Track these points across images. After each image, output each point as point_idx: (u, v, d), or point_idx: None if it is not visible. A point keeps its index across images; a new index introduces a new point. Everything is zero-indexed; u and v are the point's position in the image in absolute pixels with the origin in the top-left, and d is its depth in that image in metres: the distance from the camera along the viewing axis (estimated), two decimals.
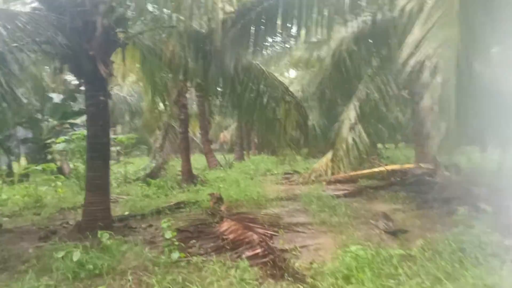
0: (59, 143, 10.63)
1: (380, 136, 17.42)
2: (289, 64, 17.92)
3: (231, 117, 29.00)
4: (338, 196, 8.94)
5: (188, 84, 11.52)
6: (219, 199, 7.59)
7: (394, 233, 5.15)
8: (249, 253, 4.50)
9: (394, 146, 26.82)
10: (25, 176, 11.66)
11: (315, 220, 6.42)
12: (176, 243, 4.07)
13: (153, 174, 12.52)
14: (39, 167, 9.80)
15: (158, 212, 7.40)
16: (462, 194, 7.71)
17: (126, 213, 7.31)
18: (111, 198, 9.19)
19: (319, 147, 24.05)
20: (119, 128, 23.74)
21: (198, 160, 20.63)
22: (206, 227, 6.02)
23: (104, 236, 4.29)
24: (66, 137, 10.71)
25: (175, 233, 4.11)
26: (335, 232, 5.58)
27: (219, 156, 19.10)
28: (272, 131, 9.61)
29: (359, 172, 11.89)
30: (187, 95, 19.25)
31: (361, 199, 8.71)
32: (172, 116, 12.52)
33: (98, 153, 5.92)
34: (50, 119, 14.31)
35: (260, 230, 5.36)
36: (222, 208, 6.93)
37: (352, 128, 8.61)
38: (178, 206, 7.84)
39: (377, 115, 9.18)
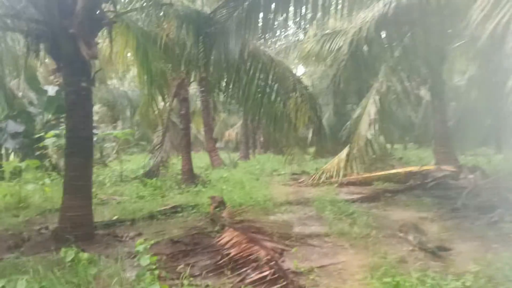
0: (49, 137, 9.77)
1: (391, 135, 16.39)
2: (299, 58, 16.94)
3: (236, 112, 28.19)
4: (353, 201, 8.03)
5: (190, 76, 10.59)
6: (221, 203, 6.69)
7: (433, 252, 4.20)
8: (254, 275, 3.58)
9: (403, 147, 25.82)
10: (17, 174, 10.87)
11: (331, 230, 5.49)
12: (157, 271, 3.04)
13: (151, 173, 11.65)
14: (23, 164, 8.95)
15: (152, 217, 6.52)
16: (497, 201, 6.75)
17: (115, 217, 6.42)
18: (103, 199, 8.42)
19: (327, 146, 23.18)
20: (119, 124, 22.93)
21: (201, 158, 19.75)
22: (204, 237, 5.12)
23: (68, 255, 3.37)
24: (57, 131, 9.86)
25: (154, 258, 3.11)
26: (358, 247, 4.64)
27: (223, 155, 18.21)
28: (280, 127, 8.76)
29: (373, 174, 10.96)
30: (190, 90, 18.43)
31: (379, 205, 7.76)
32: (172, 111, 11.63)
33: (78, 149, 5.03)
34: (45, 113, 13.49)
35: (268, 244, 4.44)
36: (224, 214, 6.02)
37: (371, 124, 7.68)
38: (175, 210, 6.94)
39: (395, 112, 8.22)
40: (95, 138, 14.02)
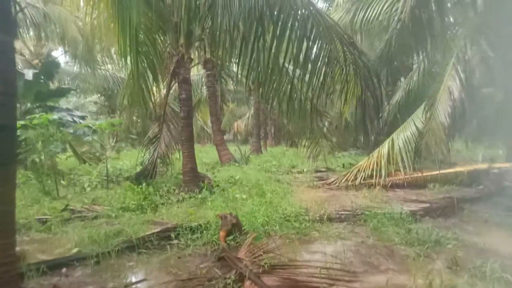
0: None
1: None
2: None
3: (246, 101, 25.86)
4: (416, 213, 5.72)
5: (189, 45, 8.31)
6: (235, 227, 4.43)
7: None
8: None
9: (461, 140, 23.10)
10: None
11: (424, 281, 3.23)
12: None
13: (147, 173, 9.39)
14: None
15: (131, 248, 4.30)
16: None
17: (75, 250, 4.20)
18: (73, 211, 6.22)
19: (347, 138, 20.84)
20: (117, 115, 20.72)
21: (208, 153, 17.52)
22: None
23: None
24: (23, 122, 7.66)
25: None
26: None
27: (232, 148, 15.94)
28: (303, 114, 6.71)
29: (427, 174, 8.62)
30: (193, 75, 16.13)
31: (460, 223, 5.45)
32: (170, 95, 9.34)
33: None
34: (23, 101, 11.30)
35: None
36: (242, 252, 3.73)
37: (453, 104, 5.34)
38: (167, 235, 4.71)
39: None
40: (82, 131, 11.89)
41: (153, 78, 7.75)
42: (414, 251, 4.09)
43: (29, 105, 11.39)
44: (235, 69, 19.09)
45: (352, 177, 8.83)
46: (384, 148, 8.79)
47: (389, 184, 8.43)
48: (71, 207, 6.35)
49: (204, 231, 4.74)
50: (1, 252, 2.78)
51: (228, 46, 4.78)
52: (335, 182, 9.07)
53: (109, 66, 17.45)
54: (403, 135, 8.56)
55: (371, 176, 8.56)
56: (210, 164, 13.44)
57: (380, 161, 8.59)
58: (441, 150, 6.01)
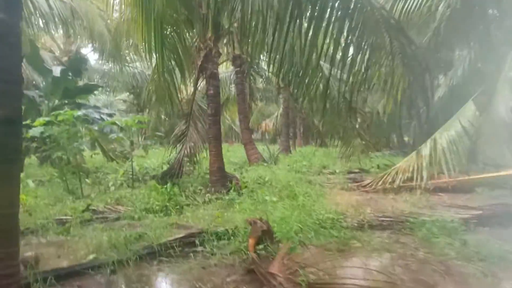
0: (36, 126, 7.42)
1: None
2: None
3: (275, 100, 25.32)
4: (465, 221, 5.04)
5: (218, 38, 7.92)
6: (266, 235, 3.96)
7: None
8: None
9: None
10: None
11: None
12: None
13: (173, 172, 9.07)
14: None
15: (152, 255, 3.93)
16: None
17: (91, 256, 3.85)
18: (96, 211, 5.95)
19: (380, 138, 19.93)
20: (146, 113, 20.69)
21: (236, 152, 17.15)
22: None
23: None
24: (48, 118, 7.48)
25: None
26: None
27: (260, 147, 15.48)
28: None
29: (475, 177, 7.88)
30: (222, 73, 15.78)
31: None
32: (197, 92, 8.98)
33: None
34: (51, 98, 11.29)
35: None
36: (275, 265, 3.24)
37: None
38: (192, 240, 4.31)
39: None
40: (110, 128, 11.77)
41: (180, 73, 7.40)
42: (475, 267, 3.49)
43: (57, 101, 11.37)
44: (264, 66, 18.67)
45: (390, 179, 8.20)
46: (426, 148, 8.12)
47: (432, 187, 7.75)
48: (93, 207, 6.08)
49: (232, 238, 4.31)
50: (2, 262, 2.43)
51: (260, 31, 4.32)
52: (371, 184, 8.44)
53: (138, 63, 17.41)
54: (447, 135, 7.89)
55: (410, 179, 7.91)
56: (238, 163, 13.05)
57: (421, 163, 7.93)
58: (500, 152, 5.32)
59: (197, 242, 4.23)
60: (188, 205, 6.51)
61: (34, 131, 7.40)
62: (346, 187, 8.56)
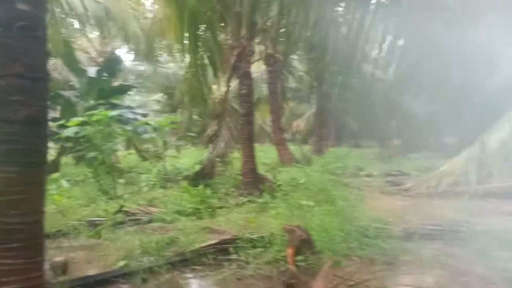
0: (71, 126, 7.44)
1: None
2: None
3: (307, 100, 24.86)
4: None
5: (252, 36, 7.69)
6: (305, 245, 3.65)
7: None
8: None
9: None
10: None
11: None
12: None
13: (205, 172, 8.92)
14: None
15: (185, 262, 3.72)
16: None
17: (121, 263, 3.68)
18: (128, 213, 5.83)
19: (418, 139, 19.02)
20: (178, 114, 20.76)
21: (267, 152, 16.86)
22: None
23: None
24: (82, 118, 7.49)
25: None
26: None
27: (292, 147, 15.09)
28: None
29: None
30: (254, 73, 15.56)
31: None
32: (230, 91, 8.76)
33: (9, 149, 2.27)
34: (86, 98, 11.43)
35: None
36: (319, 284, 2.93)
37: None
38: (225, 247, 4.07)
39: None
40: (142, 129, 11.78)
41: (213, 72, 7.22)
42: None
43: (92, 102, 11.49)
44: (297, 65, 18.31)
45: (434, 183, 7.68)
46: (473, 151, 7.57)
47: (481, 193, 7.17)
48: (126, 209, 5.97)
49: (268, 246, 4.03)
50: (25, 275, 2.26)
51: (298, 28, 4.02)
52: (413, 188, 7.95)
53: (171, 64, 17.48)
54: (497, 136, 7.31)
55: (457, 183, 7.38)
56: (270, 164, 12.76)
57: (469, 166, 7.39)
58: None
59: (231, 249, 3.98)
60: (220, 207, 6.30)
61: (69, 131, 7.42)
62: (386, 190, 8.11)
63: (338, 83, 4.76)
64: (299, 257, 3.50)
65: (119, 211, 5.78)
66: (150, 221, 5.47)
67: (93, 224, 5.13)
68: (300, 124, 29.44)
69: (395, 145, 15.12)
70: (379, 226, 4.71)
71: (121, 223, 5.29)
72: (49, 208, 6.15)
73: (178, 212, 5.74)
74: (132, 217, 5.66)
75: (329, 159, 14.15)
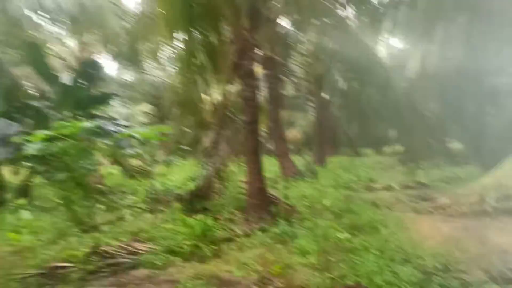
0: (33, 142, 6.00)
1: None
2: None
3: (302, 107, 23.69)
4: None
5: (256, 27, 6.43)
6: None
7: None
8: None
9: None
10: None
11: None
12: None
13: (202, 192, 7.53)
14: None
15: None
16: None
17: None
18: (107, 250, 4.43)
19: (430, 144, 17.75)
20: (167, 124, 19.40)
21: (265, 164, 15.51)
22: None
23: None
24: (48, 132, 6.05)
25: None
26: None
27: (292, 158, 13.69)
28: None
29: None
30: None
31: None
32: (227, 96, 7.42)
33: None
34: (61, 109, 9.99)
35: None
36: None
37: None
38: None
39: None
40: (127, 142, 10.38)
41: (210, 72, 5.91)
42: None
43: (66, 113, 10.05)
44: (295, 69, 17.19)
45: (477, 199, 6.44)
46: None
47: None
48: (103, 248, 4.57)
49: None
50: None
51: None
52: (451, 205, 6.68)
53: (158, 71, 16.14)
54: None
55: (508, 198, 6.15)
56: (271, 178, 11.40)
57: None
58: None
59: None
60: (226, 240, 4.93)
61: (31, 148, 5.95)
62: (418, 208, 6.82)
63: (341, 89, 3.64)
64: None
65: (93, 252, 4.38)
66: (134, 267, 4.08)
67: (53, 275, 3.73)
68: (296, 133, 28.26)
69: (409, 152, 13.92)
70: (449, 266, 3.41)
71: (94, 272, 3.89)
72: (2, 250, 4.74)
73: (172, 252, 4.36)
74: (111, 261, 4.27)
75: (335, 170, 12.89)
